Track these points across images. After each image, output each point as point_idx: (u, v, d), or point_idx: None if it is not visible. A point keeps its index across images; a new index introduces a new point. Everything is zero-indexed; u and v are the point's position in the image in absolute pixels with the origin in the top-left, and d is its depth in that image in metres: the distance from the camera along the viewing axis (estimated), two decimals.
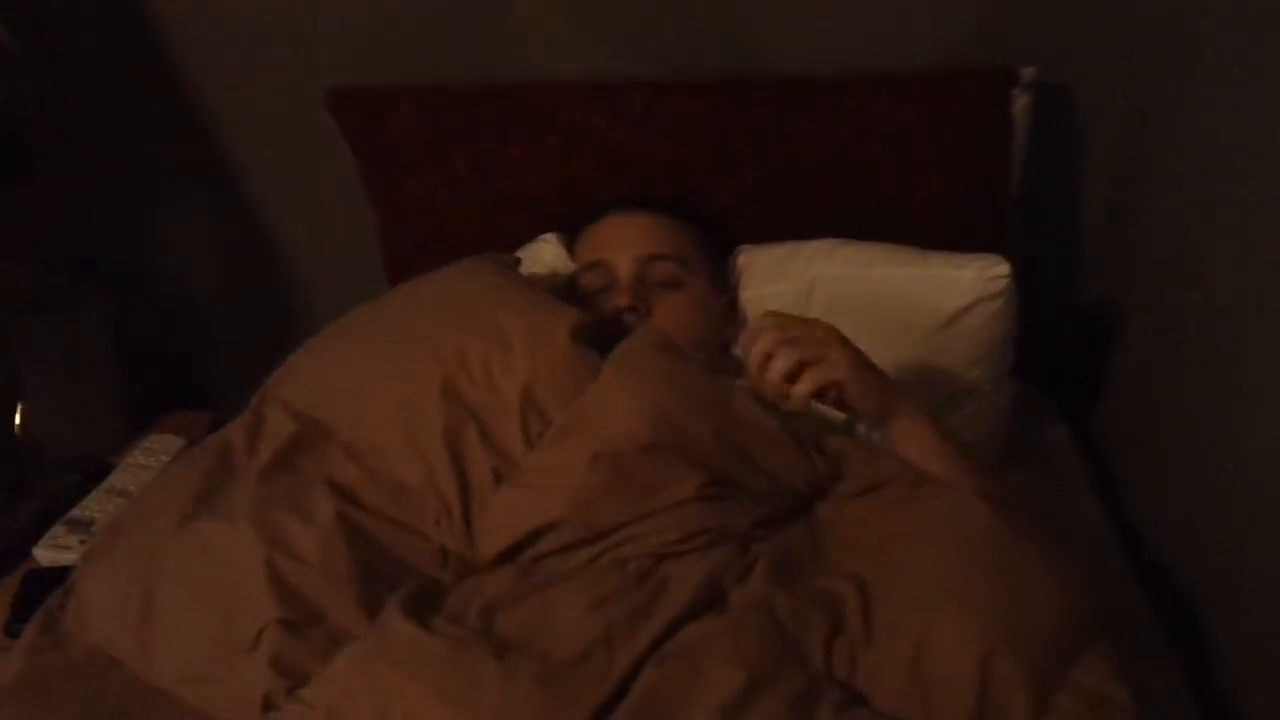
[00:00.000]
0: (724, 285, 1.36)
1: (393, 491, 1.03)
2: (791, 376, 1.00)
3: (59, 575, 1.10)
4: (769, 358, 1.00)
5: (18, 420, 1.45)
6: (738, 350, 1.12)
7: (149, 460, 1.38)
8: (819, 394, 1.00)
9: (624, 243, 1.29)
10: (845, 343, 1.03)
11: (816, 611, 0.88)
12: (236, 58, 1.54)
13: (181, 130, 1.60)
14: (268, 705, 0.87)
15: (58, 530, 1.26)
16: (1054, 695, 0.83)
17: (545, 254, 1.40)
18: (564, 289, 1.31)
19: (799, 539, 0.97)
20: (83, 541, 1.22)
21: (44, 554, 1.24)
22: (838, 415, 1.00)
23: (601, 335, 1.13)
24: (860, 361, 1.03)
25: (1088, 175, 1.52)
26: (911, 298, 1.30)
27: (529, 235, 1.44)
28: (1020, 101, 1.38)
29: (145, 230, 1.68)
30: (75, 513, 1.29)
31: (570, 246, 1.39)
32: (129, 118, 1.61)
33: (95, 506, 1.29)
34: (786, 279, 1.35)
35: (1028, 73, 1.37)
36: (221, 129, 1.61)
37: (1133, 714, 0.82)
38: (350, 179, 1.53)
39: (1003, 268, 1.28)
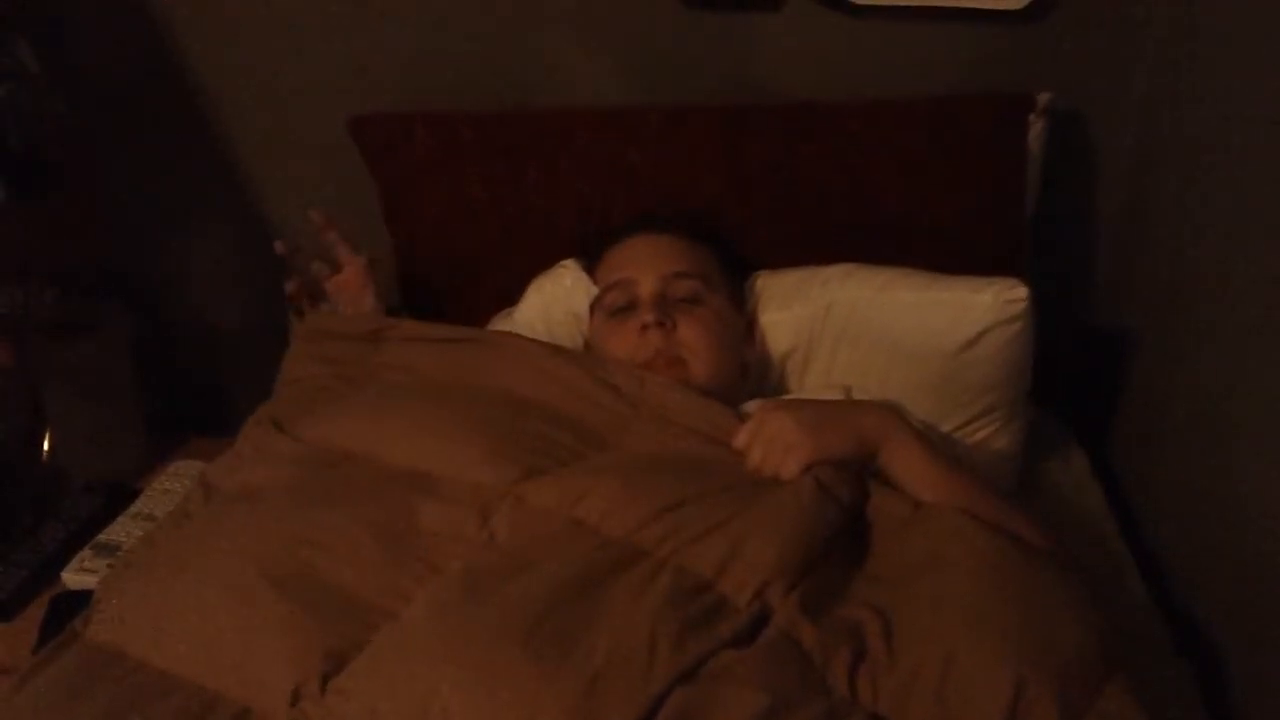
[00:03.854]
0: (742, 306, 1.38)
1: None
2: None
3: (86, 599, 1.11)
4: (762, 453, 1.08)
5: (45, 445, 1.47)
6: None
7: (174, 485, 1.40)
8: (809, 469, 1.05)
9: (646, 262, 1.31)
10: (797, 422, 1.07)
11: (840, 640, 0.89)
12: (259, 82, 1.56)
13: (204, 153, 1.61)
14: (296, 698, 0.88)
15: (85, 554, 1.28)
16: None
17: (565, 279, 1.41)
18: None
19: (827, 572, 0.98)
20: (109, 566, 1.24)
21: (71, 578, 1.26)
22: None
23: None
24: (818, 425, 1.08)
25: (1102, 200, 1.53)
26: (929, 321, 1.30)
27: (544, 258, 1.46)
28: (1035, 127, 1.39)
29: (168, 253, 1.70)
30: (102, 537, 1.30)
31: (590, 270, 1.40)
32: (152, 141, 1.62)
33: (122, 531, 1.31)
34: (803, 303, 1.36)
35: (1043, 99, 1.38)
36: (244, 152, 1.62)
37: None
38: (372, 203, 1.54)
39: (1020, 291, 1.28)
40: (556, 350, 1.25)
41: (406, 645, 0.89)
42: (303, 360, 1.33)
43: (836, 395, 1.26)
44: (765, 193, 1.44)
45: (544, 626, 0.86)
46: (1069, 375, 1.56)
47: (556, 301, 1.40)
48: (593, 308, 1.34)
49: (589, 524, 1.00)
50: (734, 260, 1.40)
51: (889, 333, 1.31)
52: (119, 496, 1.42)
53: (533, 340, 1.27)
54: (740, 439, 1.10)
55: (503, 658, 0.84)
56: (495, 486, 1.05)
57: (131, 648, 0.96)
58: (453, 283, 1.53)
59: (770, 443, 1.08)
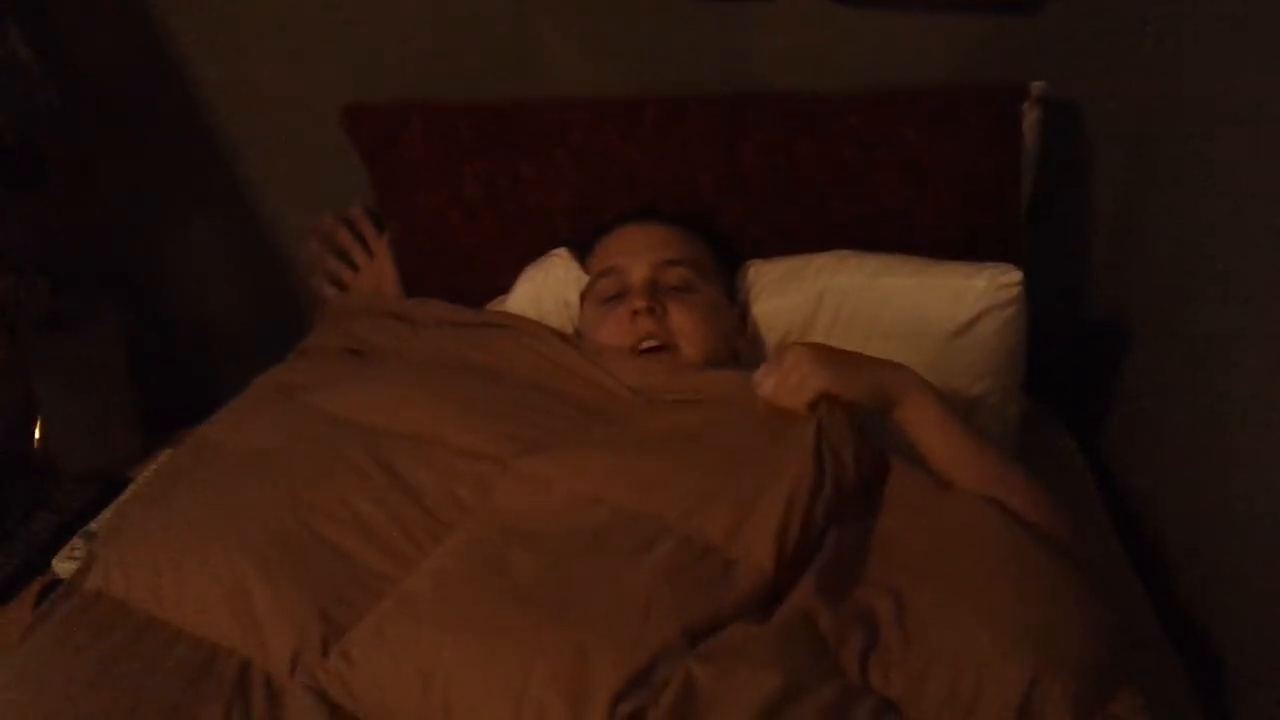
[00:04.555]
0: (735, 297, 1.37)
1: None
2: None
3: None
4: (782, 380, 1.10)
5: (36, 434, 1.46)
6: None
7: None
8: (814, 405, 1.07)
9: (638, 250, 1.31)
10: (829, 358, 1.10)
11: (854, 624, 0.88)
12: (251, 73, 1.56)
13: (196, 145, 1.61)
14: (295, 662, 0.90)
15: (75, 543, 1.27)
16: None
17: (558, 269, 1.41)
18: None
19: (843, 552, 0.97)
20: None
21: (62, 566, 1.26)
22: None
23: None
24: (837, 362, 1.10)
25: (1097, 190, 1.53)
26: (922, 307, 1.30)
27: (540, 250, 1.46)
28: (1030, 117, 1.39)
29: (161, 245, 1.70)
30: (92, 526, 1.30)
31: (582, 260, 1.40)
32: (144, 132, 1.62)
33: None
34: (795, 291, 1.36)
35: (1037, 88, 1.38)
36: (236, 144, 1.62)
37: None
38: (364, 195, 1.54)
39: (1014, 275, 1.28)
40: (565, 338, 1.28)
41: (410, 614, 0.90)
42: (326, 336, 1.39)
43: None
44: (761, 185, 1.44)
45: (543, 592, 0.88)
46: (1063, 368, 1.56)
47: (548, 290, 1.40)
48: (584, 296, 1.34)
49: (591, 494, 1.01)
50: (727, 252, 1.40)
51: (882, 319, 1.31)
52: (110, 487, 1.41)
53: (545, 326, 1.31)
54: (759, 373, 1.12)
55: (501, 624, 0.86)
56: (498, 458, 1.06)
57: (134, 599, 0.98)
58: (447, 275, 1.53)
59: (786, 373, 1.09)
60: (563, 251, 1.43)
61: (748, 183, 1.44)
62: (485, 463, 1.06)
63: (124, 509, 1.15)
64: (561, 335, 1.29)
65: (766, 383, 1.10)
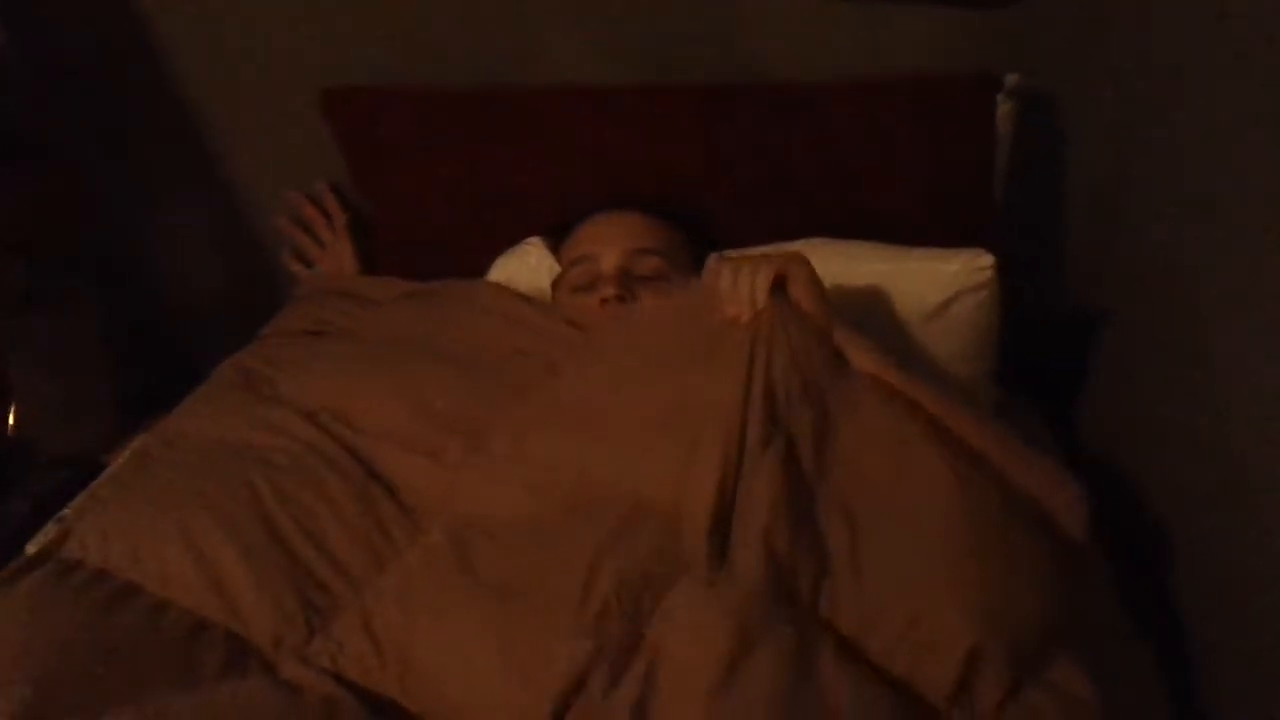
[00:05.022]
0: None
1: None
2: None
3: None
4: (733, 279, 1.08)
5: (10, 418, 1.46)
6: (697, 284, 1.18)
7: None
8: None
9: (611, 238, 1.32)
10: (807, 263, 1.11)
11: (808, 552, 0.90)
12: (233, 55, 1.55)
13: (175, 127, 1.60)
14: (279, 644, 0.91)
15: (50, 528, 1.26)
16: (1025, 689, 0.85)
17: (531, 257, 1.42)
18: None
19: (797, 464, 0.98)
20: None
21: (36, 550, 1.25)
22: None
23: None
24: (816, 283, 1.10)
25: (1071, 181, 1.54)
26: (896, 291, 1.32)
27: (517, 236, 1.46)
28: (1004, 108, 1.40)
29: (137, 227, 1.69)
30: (67, 511, 1.29)
31: (555, 249, 1.40)
32: (122, 114, 1.61)
33: None
34: None
35: (1011, 79, 1.39)
36: (215, 126, 1.61)
37: (1099, 716, 0.84)
38: (344, 178, 1.54)
39: (986, 259, 1.30)
40: (523, 297, 1.31)
41: (390, 606, 0.92)
42: (288, 318, 1.41)
43: None
44: (741, 172, 1.44)
45: (503, 580, 0.91)
46: (1036, 354, 1.57)
47: (521, 278, 1.41)
48: (555, 285, 1.35)
49: (538, 481, 1.03)
50: (703, 240, 1.40)
51: (855, 305, 1.31)
52: (86, 471, 1.41)
53: (501, 288, 1.35)
54: (709, 277, 1.11)
55: (470, 615, 0.89)
56: (451, 454, 1.08)
57: (113, 567, 0.98)
58: (422, 260, 1.53)
59: (738, 269, 1.09)
60: (536, 240, 1.43)
61: (727, 170, 1.45)
62: (440, 459, 1.08)
63: (95, 491, 1.15)
64: (522, 295, 1.31)
65: (723, 282, 1.09)
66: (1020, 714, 0.83)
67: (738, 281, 1.07)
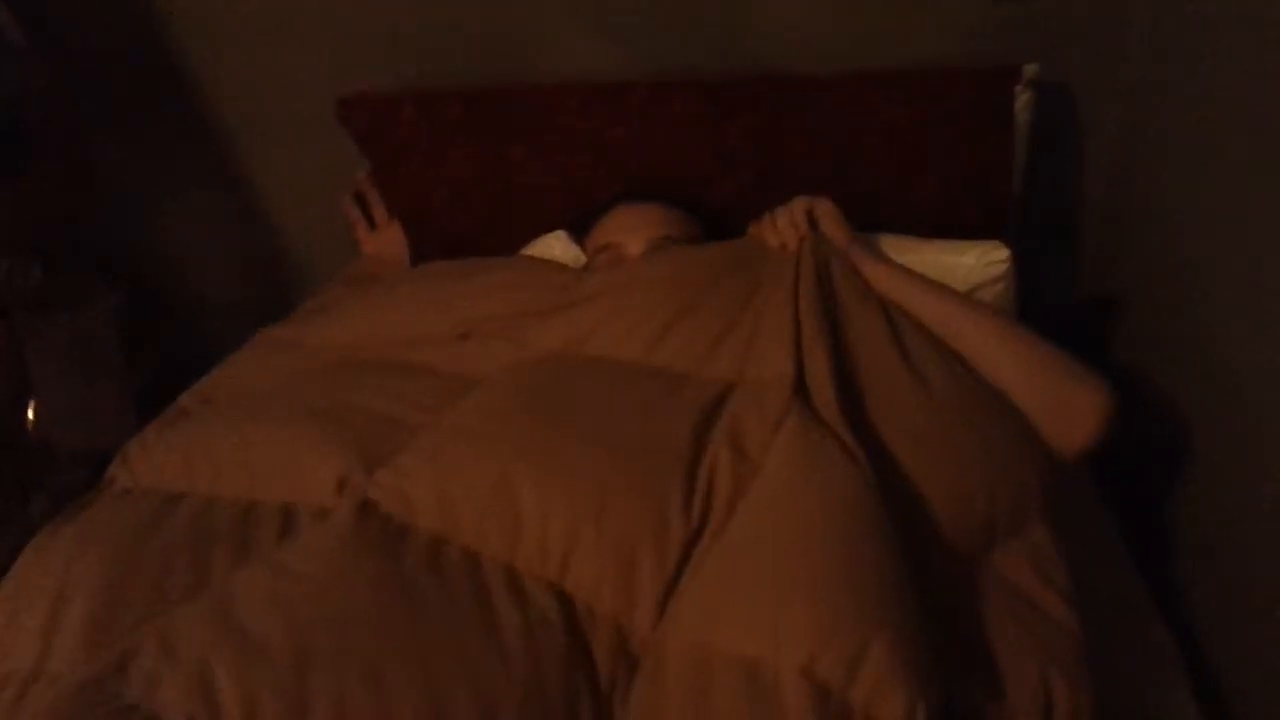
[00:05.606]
0: None
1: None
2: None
3: None
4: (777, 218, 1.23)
5: (29, 417, 1.46)
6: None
7: None
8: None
9: (635, 226, 1.33)
10: (816, 198, 1.23)
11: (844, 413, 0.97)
12: (244, 55, 1.56)
13: (189, 128, 1.61)
14: (343, 485, 0.94)
15: None
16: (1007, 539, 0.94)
17: (555, 249, 1.42)
18: None
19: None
20: None
21: None
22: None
23: None
24: (828, 202, 1.23)
25: (1088, 173, 1.54)
26: None
27: (531, 236, 1.47)
28: (1021, 99, 1.40)
29: (153, 227, 1.70)
30: None
31: (579, 242, 1.41)
32: (137, 115, 1.62)
33: None
34: None
35: (1029, 70, 1.38)
36: (229, 126, 1.62)
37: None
38: (354, 174, 1.54)
39: (1002, 252, 1.30)
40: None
41: (463, 437, 0.95)
42: (325, 297, 1.46)
43: None
44: (751, 166, 1.45)
45: (590, 429, 0.93)
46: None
47: None
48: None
49: (600, 358, 1.07)
50: (717, 233, 1.40)
51: None
52: (104, 468, 1.41)
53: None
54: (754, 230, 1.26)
55: (564, 449, 0.91)
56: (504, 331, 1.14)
57: (167, 483, 1.01)
58: (440, 259, 1.52)
59: (778, 213, 1.23)
60: (561, 233, 1.44)
61: (737, 163, 1.45)
62: (494, 338, 1.14)
63: (141, 436, 1.16)
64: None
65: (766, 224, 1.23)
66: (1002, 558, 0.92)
67: (780, 218, 1.22)
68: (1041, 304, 1.39)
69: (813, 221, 1.22)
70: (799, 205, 1.23)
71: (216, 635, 0.78)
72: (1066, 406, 1.05)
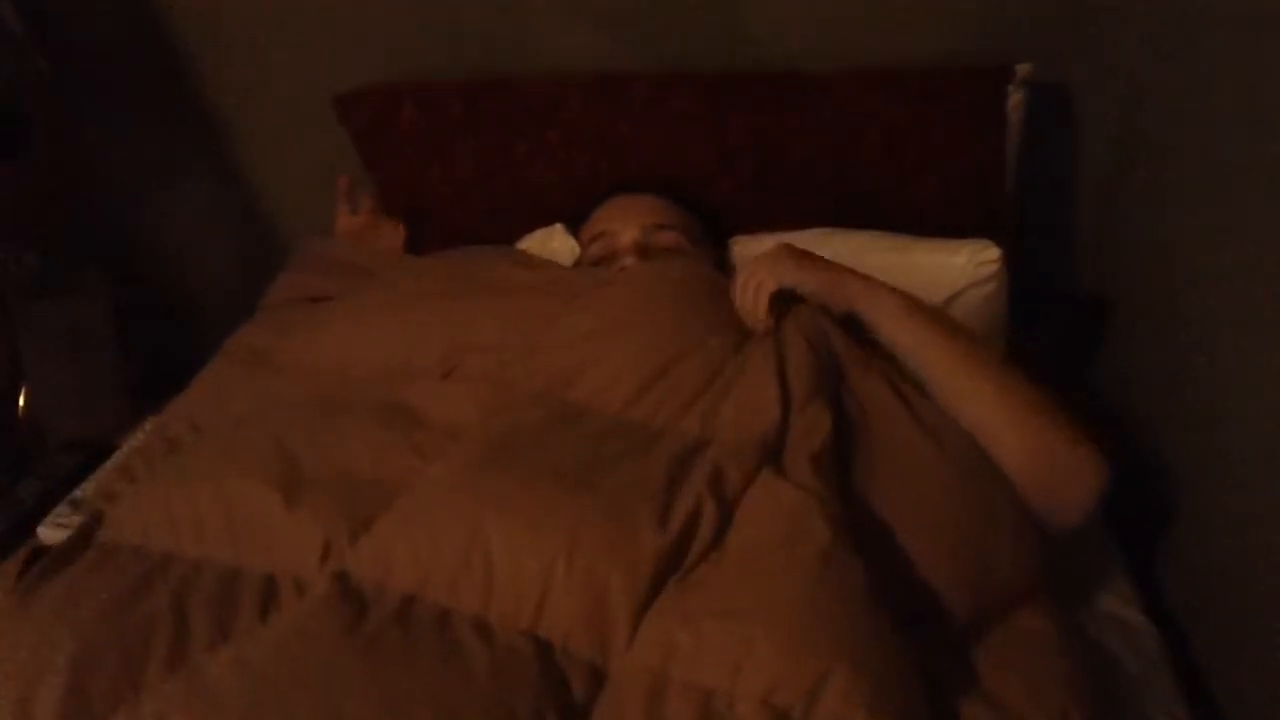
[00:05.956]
0: (721, 270, 1.38)
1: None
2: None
3: None
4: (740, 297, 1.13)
5: (21, 402, 1.47)
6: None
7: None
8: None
9: (628, 215, 1.33)
10: (791, 252, 1.13)
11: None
12: (243, 45, 1.56)
13: (185, 116, 1.61)
14: (326, 554, 0.91)
15: (61, 509, 1.28)
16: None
17: (554, 241, 1.43)
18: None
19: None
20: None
21: (47, 533, 1.26)
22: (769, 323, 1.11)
23: None
24: (805, 262, 1.12)
25: (1082, 172, 1.53)
26: (904, 284, 1.30)
27: (533, 227, 1.47)
28: (1015, 98, 1.40)
29: (147, 215, 1.70)
30: (78, 493, 1.30)
31: (576, 234, 1.41)
32: (133, 103, 1.62)
33: None
34: None
35: (1023, 69, 1.38)
36: (226, 115, 1.62)
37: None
38: (352, 163, 1.54)
39: (993, 252, 1.30)
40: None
41: (438, 497, 0.92)
42: (290, 286, 1.43)
43: None
44: (751, 161, 1.45)
45: (564, 475, 0.91)
46: (1046, 349, 1.56)
47: None
48: (576, 265, 1.35)
49: (580, 404, 1.04)
50: (714, 227, 1.41)
51: None
52: (97, 454, 1.42)
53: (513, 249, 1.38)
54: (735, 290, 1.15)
55: (536, 496, 0.89)
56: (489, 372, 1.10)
57: (150, 542, 0.98)
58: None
59: (743, 289, 1.12)
60: (560, 227, 1.45)
61: (736, 159, 1.45)
62: (478, 380, 1.10)
63: (129, 469, 1.15)
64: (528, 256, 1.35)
65: (750, 285, 1.12)
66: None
67: (743, 299, 1.12)
68: (1035, 304, 1.39)
69: (797, 296, 1.13)
70: (763, 287, 1.12)
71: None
72: (1056, 494, 1.01)
